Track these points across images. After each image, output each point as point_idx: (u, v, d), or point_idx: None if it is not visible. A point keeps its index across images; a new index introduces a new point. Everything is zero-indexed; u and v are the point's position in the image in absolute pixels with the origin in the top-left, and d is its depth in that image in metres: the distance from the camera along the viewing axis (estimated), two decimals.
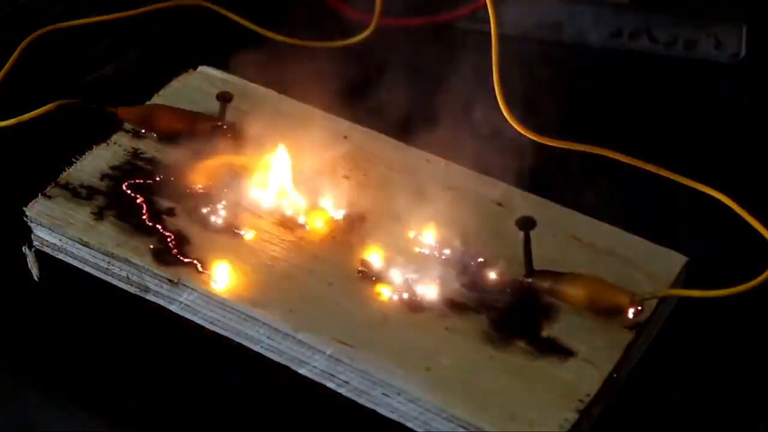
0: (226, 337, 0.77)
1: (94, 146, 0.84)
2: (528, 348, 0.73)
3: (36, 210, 0.80)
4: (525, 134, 0.82)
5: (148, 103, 0.87)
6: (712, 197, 0.81)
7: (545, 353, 0.73)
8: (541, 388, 0.71)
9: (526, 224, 0.73)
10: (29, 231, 0.81)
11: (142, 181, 0.82)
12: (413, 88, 0.97)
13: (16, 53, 0.89)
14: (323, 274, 0.77)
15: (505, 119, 0.82)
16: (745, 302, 0.74)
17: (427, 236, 0.79)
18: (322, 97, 0.89)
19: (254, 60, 0.97)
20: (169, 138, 0.85)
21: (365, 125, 0.86)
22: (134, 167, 0.83)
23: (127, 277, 0.78)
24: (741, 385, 0.77)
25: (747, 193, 0.90)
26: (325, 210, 0.80)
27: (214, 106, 0.86)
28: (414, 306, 0.75)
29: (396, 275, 0.76)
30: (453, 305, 0.75)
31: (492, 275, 0.76)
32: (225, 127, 0.84)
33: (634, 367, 0.75)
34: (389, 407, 0.73)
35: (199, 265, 0.77)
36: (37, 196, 0.81)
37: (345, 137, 0.85)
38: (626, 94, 0.99)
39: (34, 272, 0.82)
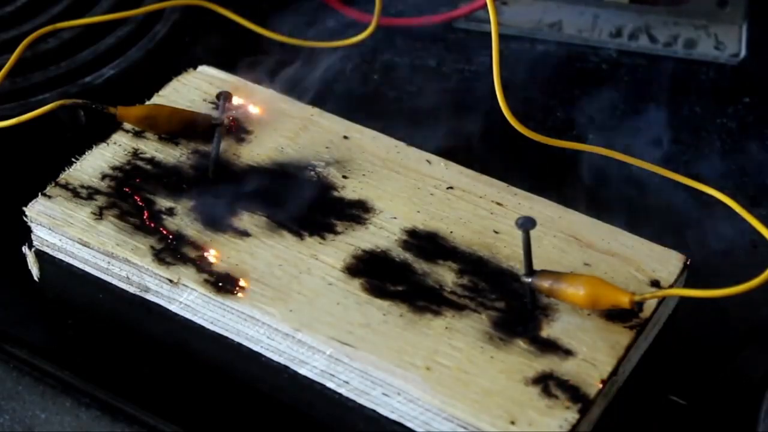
0: (226, 337, 0.77)
1: (94, 146, 0.84)
2: (528, 348, 0.73)
3: (36, 210, 0.80)
4: (525, 134, 0.82)
5: (148, 103, 0.87)
6: (712, 197, 0.81)
7: (545, 353, 0.73)
8: (541, 388, 0.71)
9: (526, 224, 0.73)
10: (29, 231, 0.81)
11: (142, 181, 0.82)
12: (413, 87, 0.97)
13: (16, 53, 0.89)
14: (323, 274, 0.77)
15: (505, 119, 0.82)
16: (745, 302, 0.75)
17: (427, 236, 0.79)
18: (322, 97, 0.89)
19: (254, 60, 0.97)
20: (169, 138, 0.85)
21: (365, 125, 0.86)
22: (134, 167, 0.83)
23: (127, 277, 0.78)
24: (741, 385, 0.77)
25: (747, 193, 0.90)
26: None
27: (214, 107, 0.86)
28: (414, 306, 0.75)
29: (396, 275, 0.76)
30: (453, 305, 0.75)
31: (492, 275, 0.76)
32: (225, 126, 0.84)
33: (634, 367, 0.75)
34: (389, 407, 0.73)
35: (199, 265, 0.77)
36: (37, 196, 0.81)
37: (345, 137, 0.85)
38: (626, 94, 0.99)
39: (34, 272, 0.82)
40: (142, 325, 0.79)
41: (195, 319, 0.77)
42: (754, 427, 0.73)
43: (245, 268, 0.77)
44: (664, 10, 1.02)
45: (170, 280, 0.77)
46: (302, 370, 0.75)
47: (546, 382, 0.71)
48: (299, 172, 0.82)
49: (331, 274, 0.77)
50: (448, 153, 0.84)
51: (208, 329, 0.77)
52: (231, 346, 0.76)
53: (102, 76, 0.94)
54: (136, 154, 0.84)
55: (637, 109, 0.97)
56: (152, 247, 0.78)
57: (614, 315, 0.74)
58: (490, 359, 0.73)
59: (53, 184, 0.82)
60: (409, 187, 0.82)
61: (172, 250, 0.78)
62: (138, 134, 0.85)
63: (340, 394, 0.74)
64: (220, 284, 0.76)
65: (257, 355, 0.76)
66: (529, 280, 0.74)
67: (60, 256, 0.81)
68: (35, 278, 0.82)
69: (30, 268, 0.82)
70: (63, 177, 0.82)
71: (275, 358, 0.75)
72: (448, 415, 0.71)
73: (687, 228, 0.87)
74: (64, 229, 0.79)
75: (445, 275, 0.77)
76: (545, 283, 0.74)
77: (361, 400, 0.73)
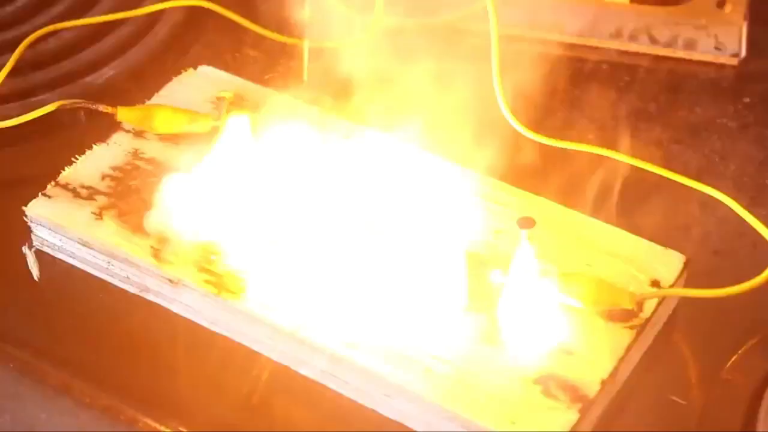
0: (226, 337, 0.77)
1: (94, 146, 0.84)
2: (528, 348, 0.73)
3: (36, 210, 0.80)
4: (525, 134, 0.82)
5: (148, 103, 0.87)
6: (712, 197, 0.81)
7: (545, 353, 0.73)
8: (541, 389, 0.71)
9: (526, 224, 0.73)
10: (29, 231, 0.81)
11: (142, 181, 0.82)
12: (413, 87, 0.97)
13: (16, 53, 0.89)
14: (323, 274, 0.77)
15: (505, 119, 0.82)
16: (745, 302, 0.74)
17: (427, 236, 0.79)
18: (322, 97, 0.89)
19: (254, 60, 0.97)
20: (169, 138, 0.85)
21: (365, 125, 0.86)
22: (134, 167, 0.83)
23: (127, 277, 0.78)
24: (741, 385, 0.77)
25: (747, 193, 0.90)
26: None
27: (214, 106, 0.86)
28: (414, 306, 0.75)
29: (397, 275, 0.76)
30: (453, 305, 0.75)
31: (492, 275, 0.76)
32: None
33: (634, 367, 0.75)
34: (389, 407, 0.73)
35: (199, 265, 0.77)
36: (37, 196, 0.81)
37: (345, 137, 0.85)
38: (626, 94, 0.98)
39: (34, 272, 0.82)
40: (142, 325, 0.79)
41: (195, 319, 0.77)
42: (754, 427, 0.73)
43: (245, 268, 0.77)
44: (664, 10, 1.02)
45: (170, 280, 0.77)
46: (302, 370, 0.75)
47: (546, 382, 0.71)
48: (300, 171, 0.82)
49: (331, 274, 0.77)
50: (449, 153, 0.84)
51: (208, 329, 0.77)
52: (231, 346, 0.76)
53: (102, 76, 0.94)
54: (136, 154, 0.84)
55: (637, 109, 0.97)
56: (152, 247, 0.78)
57: (614, 315, 0.74)
58: (490, 359, 0.73)
59: (53, 184, 0.82)
60: (409, 187, 0.82)
61: (172, 250, 0.78)
62: (138, 134, 0.85)
63: (340, 394, 0.74)
64: (220, 284, 0.76)
65: (257, 356, 0.76)
66: (529, 280, 0.74)
67: (60, 256, 0.81)
68: (35, 278, 0.82)
69: (30, 268, 0.82)
70: (63, 177, 0.82)
71: (275, 358, 0.75)
72: (448, 415, 0.71)
73: (687, 228, 0.87)
74: (64, 229, 0.79)
75: (445, 275, 0.77)
76: (545, 283, 0.74)
77: (361, 400, 0.73)
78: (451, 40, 1.02)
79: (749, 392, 0.76)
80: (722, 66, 1.00)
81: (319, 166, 0.83)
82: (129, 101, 0.86)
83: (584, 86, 0.99)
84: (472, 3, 1.01)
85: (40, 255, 0.81)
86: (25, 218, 0.81)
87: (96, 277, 0.80)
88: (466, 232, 0.79)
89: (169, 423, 0.75)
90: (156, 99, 0.87)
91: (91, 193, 0.81)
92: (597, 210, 0.81)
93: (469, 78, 0.97)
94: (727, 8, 1.01)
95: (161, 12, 0.98)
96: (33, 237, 0.81)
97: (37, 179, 0.82)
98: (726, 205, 0.80)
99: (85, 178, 0.82)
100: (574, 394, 0.71)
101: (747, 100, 0.98)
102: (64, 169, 0.83)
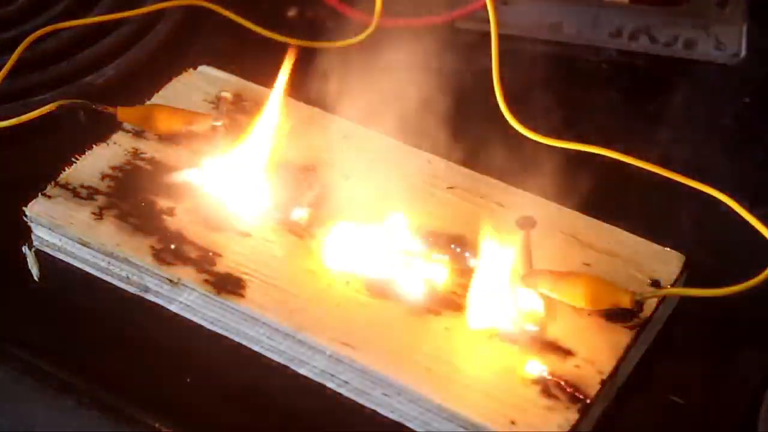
0: (226, 337, 0.77)
1: (94, 146, 0.84)
2: (528, 348, 0.73)
3: (36, 210, 0.80)
4: (525, 134, 0.82)
5: (148, 103, 0.87)
6: (712, 197, 0.81)
7: (545, 353, 0.73)
8: (540, 388, 0.71)
9: (526, 224, 0.73)
10: (29, 231, 0.81)
11: (142, 181, 0.82)
12: (413, 88, 0.97)
13: (16, 53, 0.89)
14: (324, 275, 0.77)
15: (505, 119, 0.82)
16: (745, 302, 0.74)
17: (428, 236, 0.79)
18: (322, 97, 0.89)
19: (254, 60, 0.97)
20: (169, 138, 0.85)
21: (366, 125, 0.86)
22: (134, 167, 0.83)
23: (127, 277, 0.78)
24: (741, 385, 0.77)
25: (747, 193, 0.90)
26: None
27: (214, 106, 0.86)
28: (414, 306, 0.75)
29: (397, 275, 0.76)
30: (453, 305, 0.75)
31: (492, 274, 0.76)
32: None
33: (634, 367, 0.75)
34: (389, 407, 0.73)
35: (199, 265, 0.77)
36: (37, 196, 0.81)
37: (345, 137, 0.85)
38: (626, 94, 0.98)
39: (34, 272, 0.82)
40: (142, 325, 0.79)
41: (195, 319, 0.77)
42: (754, 427, 0.73)
43: (245, 268, 0.77)
44: (664, 10, 1.02)
45: (170, 280, 0.77)
46: (302, 370, 0.75)
47: (546, 382, 0.71)
48: (299, 172, 0.82)
49: (331, 274, 0.77)
50: (448, 153, 0.84)
51: (207, 329, 0.77)
52: (231, 346, 0.76)
53: (102, 76, 0.94)
54: (136, 154, 0.84)
55: (637, 109, 0.97)
56: (152, 247, 0.78)
57: (614, 315, 0.74)
58: (490, 359, 0.73)
59: (53, 184, 0.82)
60: (409, 187, 0.82)
61: (172, 250, 0.78)
62: (138, 134, 0.85)
63: (340, 394, 0.74)
64: (220, 284, 0.76)
65: (257, 356, 0.76)
66: (530, 279, 0.74)
67: (60, 256, 0.81)
68: (35, 278, 0.82)
69: (30, 268, 0.82)
70: (63, 177, 0.82)
71: (275, 358, 0.75)
72: (448, 415, 0.71)
73: (687, 228, 0.87)
74: (64, 229, 0.79)
75: (446, 275, 0.77)
76: (545, 283, 0.74)
77: (361, 400, 0.73)
78: (450, 40, 1.03)
79: (749, 392, 0.76)
80: (722, 66, 1.00)
81: (318, 165, 0.83)
82: (129, 101, 0.86)
83: (584, 86, 0.99)
84: (472, 3, 1.02)
85: (40, 255, 0.81)
86: (25, 218, 0.81)
87: (96, 277, 0.80)
88: (467, 232, 0.79)
89: (169, 423, 0.75)
90: (156, 99, 0.87)
91: (91, 193, 0.81)
92: (597, 210, 0.81)
93: (469, 78, 0.97)
94: (727, 8, 1.01)
95: (161, 12, 0.98)
96: (33, 237, 0.81)
97: (37, 179, 0.82)
98: (726, 205, 0.80)
99: (85, 178, 0.82)
100: (573, 393, 0.71)
101: (747, 100, 0.98)
102: (64, 169, 0.83)
